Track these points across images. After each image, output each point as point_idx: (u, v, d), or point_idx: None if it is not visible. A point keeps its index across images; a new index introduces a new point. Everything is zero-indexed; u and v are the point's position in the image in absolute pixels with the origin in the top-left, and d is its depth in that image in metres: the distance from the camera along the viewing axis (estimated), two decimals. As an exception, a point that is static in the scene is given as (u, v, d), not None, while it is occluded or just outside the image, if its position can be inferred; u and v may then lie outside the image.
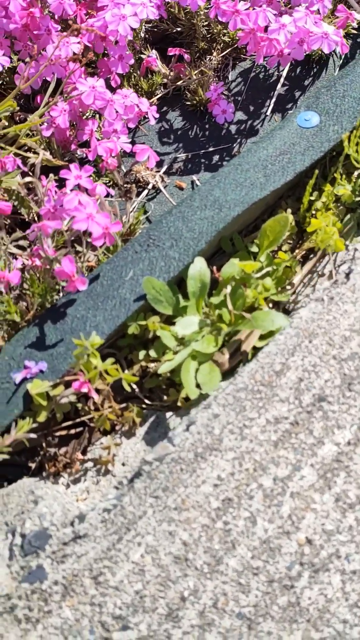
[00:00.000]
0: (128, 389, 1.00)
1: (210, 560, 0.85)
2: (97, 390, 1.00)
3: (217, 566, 0.84)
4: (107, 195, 1.10)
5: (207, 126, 1.40)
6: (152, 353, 1.07)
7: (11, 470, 1.02)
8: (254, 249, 1.17)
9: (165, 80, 1.39)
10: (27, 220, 1.18)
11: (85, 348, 0.93)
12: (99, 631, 0.82)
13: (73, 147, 1.26)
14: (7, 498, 0.94)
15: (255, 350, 1.06)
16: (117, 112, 1.20)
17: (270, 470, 0.88)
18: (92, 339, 0.94)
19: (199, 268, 1.05)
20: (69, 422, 1.04)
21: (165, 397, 1.07)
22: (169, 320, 1.08)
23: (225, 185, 1.12)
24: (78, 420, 1.05)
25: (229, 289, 1.07)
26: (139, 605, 0.83)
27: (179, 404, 1.02)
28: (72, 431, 1.06)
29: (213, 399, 0.94)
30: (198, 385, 1.00)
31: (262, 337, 1.08)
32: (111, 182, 1.26)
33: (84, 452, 1.05)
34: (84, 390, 0.98)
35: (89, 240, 1.07)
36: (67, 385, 1.00)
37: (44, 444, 1.04)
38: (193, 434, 0.91)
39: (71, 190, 1.04)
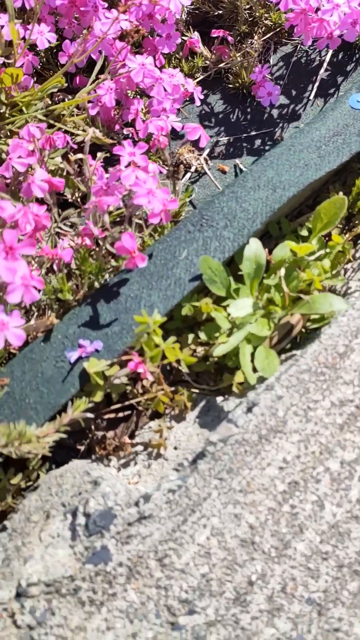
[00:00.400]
0: (186, 370, 0.98)
1: (277, 544, 0.82)
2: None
3: (284, 550, 0.82)
4: (160, 173, 1.07)
5: (248, 110, 1.38)
6: (202, 336, 1.04)
7: (59, 453, 1.00)
8: (303, 232, 1.15)
9: (207, 62, 1.37)
10: (70, 200, 1.16)
11: (147, 326, 0.91)
12: (165, 615, 0.80)
13: (117, 127, 1.23)
14: (60, 479, 0.92)
15: (305, 333, 1.04)
16: (165, 90, 1.18)
17: (337, 454, 0.86)
18: (154, 316, 0.91)
19: (255, 249, 1.03)
20: (118, 405, 1.02)
21: (212, 383, 1.05)
22: (218, 303, 1.06)
23: (278, 166, 1.10)
24: (127, 403, 1.03)
25: (282, 271, 1.05)
26: (206, 589, 0.81)
27: (234, 388, 1.00)
28: (120, 414, 1.04)
29: (275, 381, 0.92)
30: (254, 369, 0.98)
31: (310, 322, 1.07)
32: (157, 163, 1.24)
33: (131, 436, 1.03)
34: (140, 370, 0.95)
35: (137, 221, 1.05)
36: (122, 365, 0.97)
37: (92, 427, 1.01)
38: (257, 416, 0.89)
39: (125, 167, 1.01)
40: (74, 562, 0.81)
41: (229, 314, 1.03)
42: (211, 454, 0.86)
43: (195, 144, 1.32)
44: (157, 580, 0.81)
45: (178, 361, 1.00)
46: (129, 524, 0.83)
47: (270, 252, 1.08)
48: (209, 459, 0.86)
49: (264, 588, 0.81)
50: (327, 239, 1.13)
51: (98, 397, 0.95)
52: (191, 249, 1.04)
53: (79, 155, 1.05)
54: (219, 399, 1.02)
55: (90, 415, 0.93)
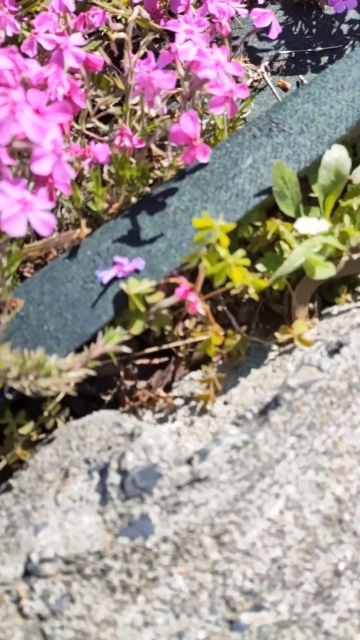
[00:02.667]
0: (256, 298, 0.77)
1: (373, 524, 0.62)
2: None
3: (382, 532, 0.62)
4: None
5: (314, 23, 1.17)
6: (260, 267, 0.83)
7: (77, 403, 0.79)
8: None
9: (268, -36, 1.16)
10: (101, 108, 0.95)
11: (209, 235, 0.70)
12: (222, 610, 0.59)
13: (162, 22, 1.02)
14: (83, 431, 0.71)
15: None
16: (226, -25, 0.97)
17: None
18: (221, 222, 0.70)
19: (338, 156, 0.82)
20: (155, 348, 0.81)
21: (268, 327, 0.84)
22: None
23: (366, 66, 0.89)
24: (165, 347, 0.82)
25: (368, 191, 0.85)
26: (277, 579, 0.60)
27: (295, 341, 0.79)
28: (156, 361, 0.83)
29: (369, 316, 0.71)
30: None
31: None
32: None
33: (167, 389, 0.82)
34: (191, 299, 0.75)
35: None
36: (167, 294, 0.77)
37: (122, 373, 0.81)
38: (346, 359, 0.68)
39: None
40: (103, 533, 0.60)
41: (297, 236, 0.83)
42: (288, 402, 0.66)
43: (250, 54, 1.12)
44: (213, 564, 0.60)
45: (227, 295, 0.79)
46: (178, 487, 0.62)
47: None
48: (284, 409, 0.66)
49: (354, 581, 0.61)
50: None
51: (137, 328, 0.75)
52: (258, 156, 0.83)
53: (121, 35, 0.84)
54: (275, 347, 0.82)
55: (127, 349, 0.72)
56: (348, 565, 0.61)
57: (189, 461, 0.63)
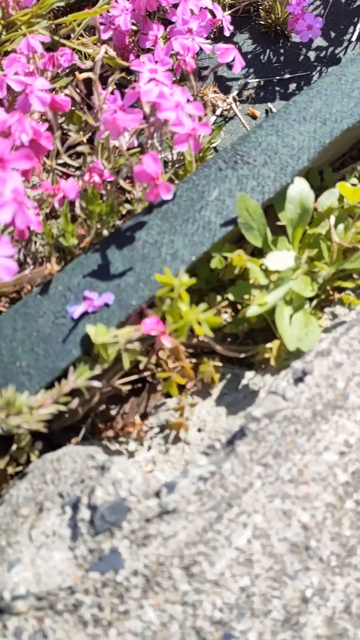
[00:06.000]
0: (210, 334, 0.78)
1: (339, 551, 0.63)
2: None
3: (348, 558, 0.63)
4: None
5: (281, 51, 1.20)
6: (230, 297, 0.85)
7: (56, 433, 0.81)
8: (352, 180, 0.97)
9: (234, -3, 1.19)
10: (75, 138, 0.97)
11: (170, 289, 0.72)
12: (192, 641, 0.60)
13: (132, 57, 1.05)
14: (58, 464, 0.73)
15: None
16: (192, 11, 0.99)
17: None
18: (181, 276, 0.72)
19: (301, 190, 0.84)
20: (129, 378, 0.83)
21: (240, 354, 0.86)
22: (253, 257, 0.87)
23: (327, 96, 0.91)
24: (135, 377, 0.84)
25: (332, 219, 0.87)
26: (246, 607, 0.61)
27: (271, 361, 0.81)
28: (129, 387, 0.85)
29: (332, 345, 0.73)
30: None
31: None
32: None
33: (143, 417, 0.84)
34: (155, 334, 0.76)
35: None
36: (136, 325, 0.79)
37: (95, 401, 0.82)
38: (309, 387, 0.70)
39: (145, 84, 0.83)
40: (74, 569, 0.62)
41: (265, 269, 0.85)
42: (253, 432, 0.67)
43: (220, 84, 1.15)
44: (183, 595, 0.62)
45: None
46: (147, 520, 0.63)
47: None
48: (250, 439, 0.67)
49: (322, 607, 0.62)
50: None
51: (107, 363, 0.76)
52: (223, 189, 0.85)
53: (88, 74, 0.86)
54: (249, 373, 0.83)
55: (97, 384, 0.74)
56: (315, 591, 0.62)
57: (157, 494, 0.65)
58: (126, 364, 0.76)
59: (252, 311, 0.81)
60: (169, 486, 0.65)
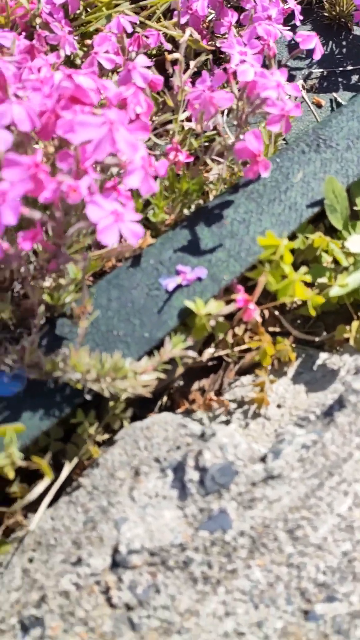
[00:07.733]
0: (313, 313, 0.80)
1: None
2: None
3: None
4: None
5: (344, 43, 1.22)
6: (307, 278, 0.87)
7: (135, 405, 0.83)
8: None
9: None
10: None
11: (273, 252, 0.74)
12: (297, 601, 0.63)
13: (205, 42, 1.07)
14: (148, 432, 0.74)
15: None
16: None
17: None
18: (285, 240, 0.74)
19: (386, 174, 0.87)
20: (212, 351, 0.85)
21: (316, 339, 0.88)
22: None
23: None
24: (216, 354, 0.86)
25: None
26: (348, 572, 0.64)
27: (351, 341, 0.83)
28: (209, 364, 0.87)
29: None
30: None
31: None
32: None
33: (217, 393, 0.86)
34: (251, 307, 0.78)
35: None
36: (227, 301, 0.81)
37: (175, 376, 0.84)
38: None
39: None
40: (184, 527, 0.64)
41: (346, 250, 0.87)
42: (353, 404, 0.70)
43: (287, 74, 1.17)
44: (288, 557, 0.64)
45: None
46: (253, 483, 0.65)
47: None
48: (349, 410, 0.69)
49: None
50: None
51: (200, 335, 0.78)
52: (308, 171, 0.87)
53: (175, 55, 0.88)
54: (323, 354, 0.86)
55: (193, 353, 0.75)
56: None
57: (263, 459, 0.67)
58: (218, 337, 0.78)
59: (335, 292, 0.83)
60: (274, 452, 0.67)
